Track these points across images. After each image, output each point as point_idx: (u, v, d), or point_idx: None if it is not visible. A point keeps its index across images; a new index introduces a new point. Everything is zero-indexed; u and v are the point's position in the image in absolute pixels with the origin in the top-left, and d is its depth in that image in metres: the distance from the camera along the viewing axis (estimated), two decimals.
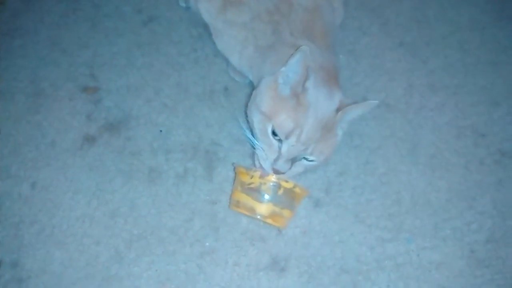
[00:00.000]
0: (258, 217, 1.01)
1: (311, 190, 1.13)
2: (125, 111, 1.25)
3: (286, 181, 1.00)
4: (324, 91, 0.94)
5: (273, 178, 0.99)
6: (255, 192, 1.00)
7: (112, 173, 1.18)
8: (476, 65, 1.35)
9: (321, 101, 0.93)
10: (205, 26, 1.26)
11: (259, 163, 1.00)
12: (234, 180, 1.08)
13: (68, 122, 1.23)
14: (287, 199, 1.01)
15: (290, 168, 0.97)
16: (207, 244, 1.11)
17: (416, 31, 1.39)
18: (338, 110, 0.93)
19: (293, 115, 0.92)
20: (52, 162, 1.19)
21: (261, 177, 0.99)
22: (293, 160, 0.96)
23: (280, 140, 0.94)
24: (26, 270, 1.08)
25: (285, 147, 0.94)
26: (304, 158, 0.97)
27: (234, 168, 1.07)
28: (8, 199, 1.15)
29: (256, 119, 0.98)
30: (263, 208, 1.00)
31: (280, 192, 1.00)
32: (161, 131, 1.22)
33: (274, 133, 0.94)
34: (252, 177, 1.00)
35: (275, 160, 0.96)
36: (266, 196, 1.00)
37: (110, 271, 1.08)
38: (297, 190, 1.01)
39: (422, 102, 1.28)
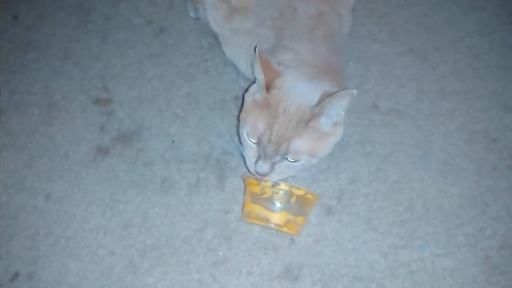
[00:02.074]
0: (272, 226, 1.02)
1: (323, 198, 1.14)
2: (137, 122, 1.26)
3: (298, 188, 1.00)
4: (304, 86, 0.95)
5: (284, 186, 1.00)
6: (267, 202, 1.01)
7: (125, 184, 1.19)
8: (486, 69, 1.34)
9: (297, 97, 0.94)
10: (215, 36, 1.28)
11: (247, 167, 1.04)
12: (244, 191, 1.08)
13: (81, 134, 1.25)
14: (299, 206, 1.02)
15: (271, 169, 0.98)
16: (220, 253, 1.11)
17: (425, 37, 1.39)
18: (318, 103, 0.92)
19: (263, 117, 0.94)
20: (66, 174, 1.20)
21: (273, 186, 1.00)
22: (273, 162, 0.97)
23: (258, 143, 0.97)
24: (42, 282, 1.09)
25: (260, 149, 0.96)
26: (286, 158, 0.97)
27: (243, 180, 1.08)
28: (23, 211, 1.16)
29: (239, 125, 1.02)
30: (277, 217, 1.01)
31: (293, 200, 1.01)
32: (173, 141, 1.23)
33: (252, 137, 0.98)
34: (262, 187, 1.01)
35: (255, 163, 0.98)
36: (279, 205, 1.01)
37: (124, 282, 1.09)
38: (309, 196, 1.02)
39: (432, 108, 1.28)
